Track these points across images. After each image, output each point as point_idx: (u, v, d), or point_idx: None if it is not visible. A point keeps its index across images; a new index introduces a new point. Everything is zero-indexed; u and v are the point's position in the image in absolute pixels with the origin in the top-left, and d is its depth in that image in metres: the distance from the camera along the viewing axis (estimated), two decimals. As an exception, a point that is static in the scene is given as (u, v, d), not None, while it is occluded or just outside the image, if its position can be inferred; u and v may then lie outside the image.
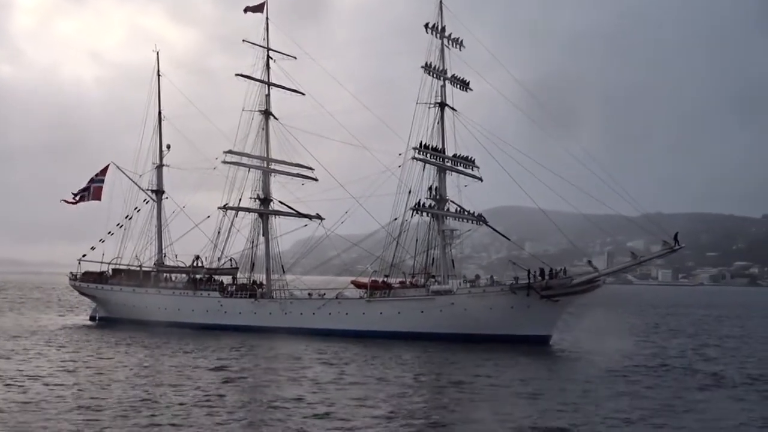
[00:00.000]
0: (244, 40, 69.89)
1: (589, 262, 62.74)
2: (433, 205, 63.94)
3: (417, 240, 64.25)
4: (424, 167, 63.90)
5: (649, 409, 32.10)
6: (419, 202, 63.01)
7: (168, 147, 76.72)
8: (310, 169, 70.02)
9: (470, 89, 66.14)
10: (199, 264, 71.83)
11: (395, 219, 63.33)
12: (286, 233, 70.54)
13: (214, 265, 70.88)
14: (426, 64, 63.84)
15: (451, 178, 65.13)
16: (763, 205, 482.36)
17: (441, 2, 65.20)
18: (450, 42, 65.29)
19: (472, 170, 65.53)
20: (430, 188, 63.84)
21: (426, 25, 64.21)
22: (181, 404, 31.08)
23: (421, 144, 63.18)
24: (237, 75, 68.62)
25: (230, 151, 68.32)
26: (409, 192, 63.30)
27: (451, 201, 64.79)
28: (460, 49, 65.54)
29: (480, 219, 65.37)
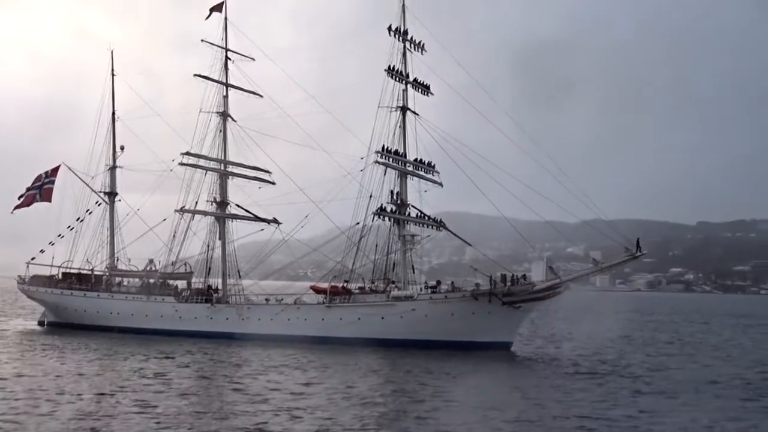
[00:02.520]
0: (202, 40, 68.12)
1: (551, 268, 61.67)
2: (394, 209, 62.89)
3: (377, 245, 62.93)
4: (385, 171, 62.85)
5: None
6: (381, 207, 61.95)
7: (122, 148, 74.74)
8: (268, 172, 68.68)
9: (431, 93, 65.32)
10: (153, 268, 70.04)
11: (357, 223, 62.31)
12: (243, 237, 69.50)
13: (169, 270, 69.00)
14: (389, 67, 62.78)
15: (412, 182, 64.28)
16: (698, 212, 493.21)
17: (403, 5, 64.28)
18: (412, 45, 64.38)
19: (433, 175, 64.70)
20: (391, 192, 62.78)
21: (389, 28, 63.18)
22: (110, 415, 29.37)
23: (383, 148, 62.16)
24: (195, 75, 66.79)
25: (188, 153, 66.47)
26: (370, 196, 62.21)
27: (412, 206, 63.90)
28: (422, 53, 64.68)
29: (440, 224, 64.47)
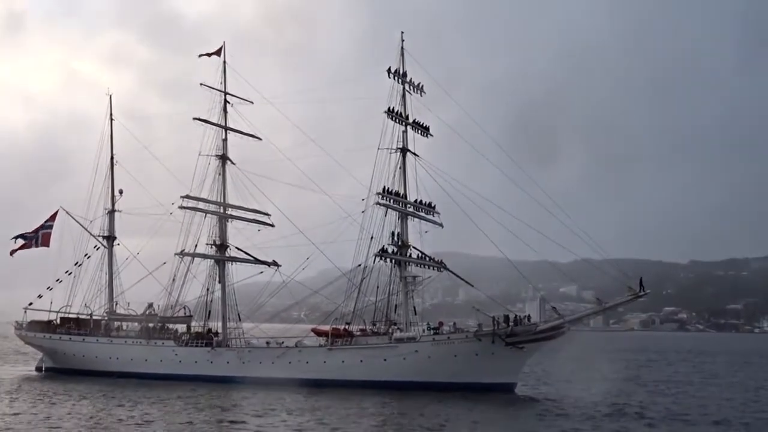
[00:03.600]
0: (201, 84, 68.48)
1: (554, 308, 61.54)
2: (396, 251, 62.54)
3: (378, 287, 62.54)
4: (386, 213, 62.58)
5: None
6: (383, 248, 61.61)
7: (120, 192, 74.64)
8: (267, 214, 68.27)
9: (431, 134, 65.38)
10: (153, 312, 69.26)
11: (359, 265, 61.76)
12: (243, 280, 68.41)
13: (168, 313, 68.29)
14: (389, 109, 62.93)
15: (412, 223, 63.97)
16: (690, 251, 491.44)
17: (402, 48, 64.66)
18: (411, 87, 64.54)
19: (433, 216, 64.48)
20: (392, 234, 62.48)
21: (388, 70, 63.31)
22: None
23: (384, 189, 61.99)
24: (195, 119, 66.85)
25: (187, 196, 66.14)
26: (371, 238, 61.82)
27: (413, 247, 63.51)
28: (420, 95, 64.84)
29: (441, 265, 63.99)
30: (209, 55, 69.56)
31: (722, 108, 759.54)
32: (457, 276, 64.89)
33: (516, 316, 59.17)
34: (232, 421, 40.85)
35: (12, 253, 72.14)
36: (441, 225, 64.56)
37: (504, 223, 59.17)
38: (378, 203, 61.83)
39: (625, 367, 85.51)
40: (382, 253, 61.52)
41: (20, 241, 71.98)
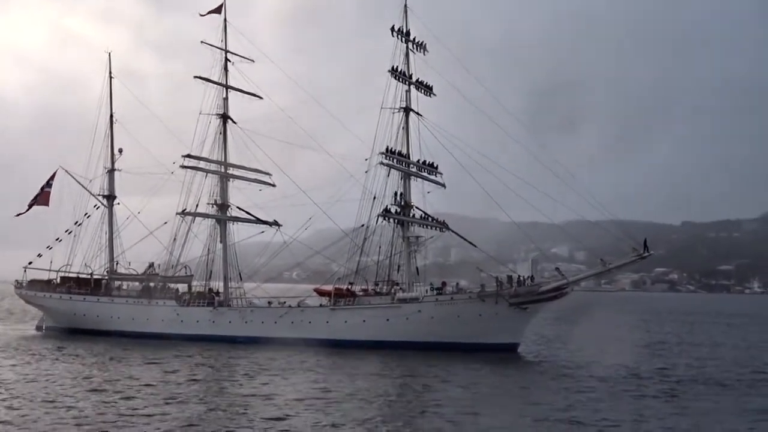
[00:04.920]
0: (202, 42, 67.14)
1: (557, 269, 60.91)
2: (398, 211, 62.02)
3: (380, 247, 62.28)
4: (389, 173, 62.02)
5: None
6: (387, 208, 61.07)
7: (120, 151, 73.39)
8: (268, 174, 67.57)
9: (434, 94, 64.49)
10: (154, 271, 68.97)
11: (362, 225, 61.36)
12: (244, 239, 67.91)
13: (169, 273, 67.79)
14: (392, 68, 62.01)
15: (415, 183, 63.42)
16: (683, 212, 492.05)
17: (405, 5, 63.70)
18: (414, 46, 63.61)
19: (436, 176, 63.98)
20: (395, 194, 62.00)
21: (391, 29, 62.43)
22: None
23: (387, 149, 61.31)
24: (195, 77, 65.71)
25: (188, 155, 65.36)
26: (374, 198, 61.37)
27: (416, 207, 63.01)
28: (424, 54, 63.99)
29: (443, 225, 63.47)
30: (211, 12, 68.32)
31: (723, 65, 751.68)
32: (460, 236, 64.08)
33: (519, 276, 58.75)
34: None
35: (18, 215, 71.78)
36: (443, 185, 64.12)
37: (501, 182, 58.94)
38: (381, 163, 61.21)
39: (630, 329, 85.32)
40: (386, 213, 61.00)
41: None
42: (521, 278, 58.34)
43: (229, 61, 68.10)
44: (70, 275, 71.78)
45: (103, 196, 73.03)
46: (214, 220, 67.42)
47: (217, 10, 68.30)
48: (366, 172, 61.60)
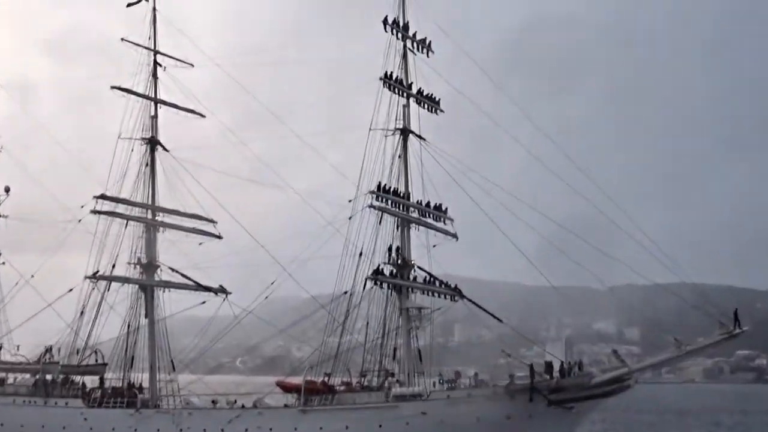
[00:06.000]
0: (122, 39, 56.89)
1: (615, 352, 50.28)
2: (394, 272, 50.02)
3: (368, 323, 50.29)
4: (380, 219, 50.05)
5: None
6: (378, 269, 49.10)
7: (7, 190, 63.16)
8: (212, 222, 56.89)
9: (441, 110, 52.80)
10: (52, 359, 56.95)
11: (345, 292, 49.83)
12: (178, 312, 56.75)
13: (74, 361, 56.33)
14: (385, 74, 50.22)
15: (416, 234, 51.41)
16: None
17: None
18: (415, 44, 51.92)
19: (444, 223, 51.83)
20: (389, 249, 50.07)
21: (384, 21, 50.54)
22: None
23: (379, 186, 49.34)
24: (113, 88, 55.79)
25: (102, 196, 54.27)
26: (360, 254, 49.62)
27: (418, 266, 50.74)
28: (427, 55, 52.20)
29: (455, 292, 50.79)
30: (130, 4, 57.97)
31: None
32: (481, 308, 51.63)
33: (562, 362, 47.45)
34: None
35: None
36: (455, 236, 52.12)
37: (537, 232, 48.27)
38: (371, 206, 49.45)
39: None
40: (377, 275, 49.10)
41: None
42: (565, 365, 47.25)
43: (160, 65, 58.59)
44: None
45: (-18, 256, 62.12)
46: (137, 286, 57.05)
47: None
48: (350, 218, 50.74)
